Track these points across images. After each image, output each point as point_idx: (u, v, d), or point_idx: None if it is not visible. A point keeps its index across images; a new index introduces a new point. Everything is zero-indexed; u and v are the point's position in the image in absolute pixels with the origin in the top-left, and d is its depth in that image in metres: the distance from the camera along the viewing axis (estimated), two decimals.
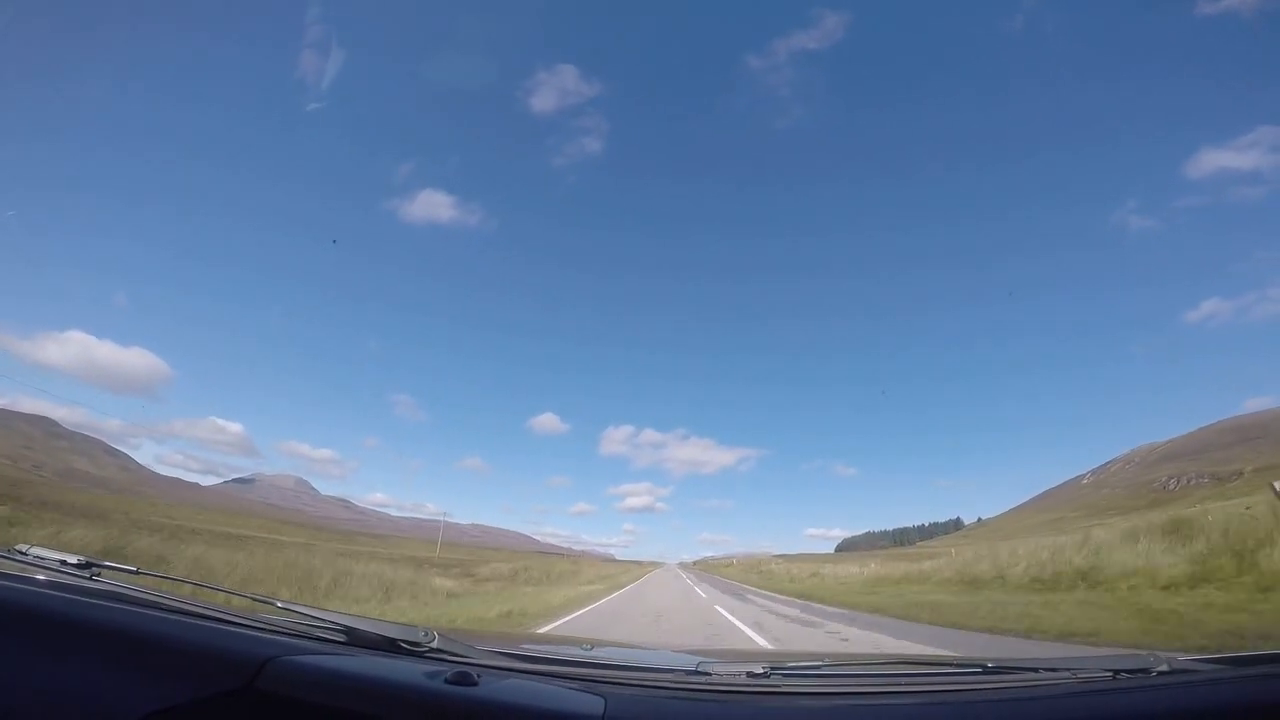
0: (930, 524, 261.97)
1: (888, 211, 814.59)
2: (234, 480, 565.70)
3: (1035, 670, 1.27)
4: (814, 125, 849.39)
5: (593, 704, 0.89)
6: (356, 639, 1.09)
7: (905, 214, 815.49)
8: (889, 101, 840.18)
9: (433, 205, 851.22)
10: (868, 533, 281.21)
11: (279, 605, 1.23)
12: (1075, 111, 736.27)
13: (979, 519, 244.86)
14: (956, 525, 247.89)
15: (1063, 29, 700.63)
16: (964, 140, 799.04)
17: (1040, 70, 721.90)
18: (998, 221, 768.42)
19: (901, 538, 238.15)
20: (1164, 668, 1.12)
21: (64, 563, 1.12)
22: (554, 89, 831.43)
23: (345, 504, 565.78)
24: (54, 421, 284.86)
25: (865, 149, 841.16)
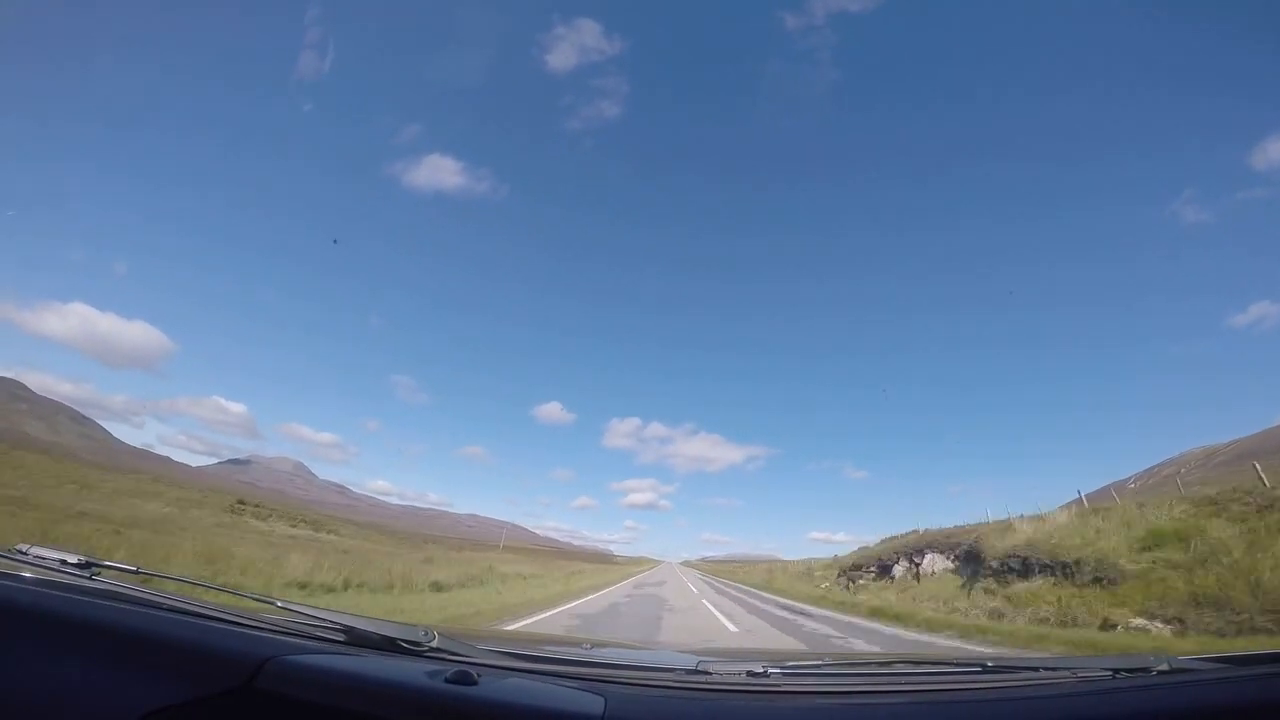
0: (980, 523, 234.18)
1: (917, 211, 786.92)
2: (228, 461, 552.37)
3: (1035, 669, 1.28)
4: (842, 120, 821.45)
5: (593, 703, 0.89)
6: (356, 638, 1.10)
7: (927, 214, 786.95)
8: (919, 97, 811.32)
9: (439, 170, 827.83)
10: (912, 532, 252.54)
11: (279, 605, 1.25)
12: (1126, 105, 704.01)
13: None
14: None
15: (1124, 6, 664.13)
16: (1001, 137, 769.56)
17: (1089, 59, 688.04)
18: (1016, 223, 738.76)
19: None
20: (1164, 667, 1.13)
21: (63, 562, 1.14)
22: (573, 46, 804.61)
23: (341, 490, 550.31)
24: (20, 384, 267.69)
25: (897, 145, 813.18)
